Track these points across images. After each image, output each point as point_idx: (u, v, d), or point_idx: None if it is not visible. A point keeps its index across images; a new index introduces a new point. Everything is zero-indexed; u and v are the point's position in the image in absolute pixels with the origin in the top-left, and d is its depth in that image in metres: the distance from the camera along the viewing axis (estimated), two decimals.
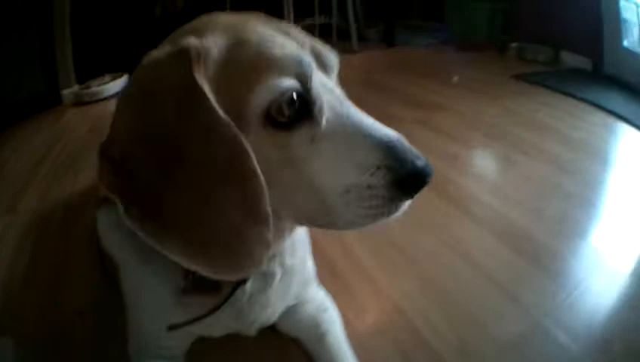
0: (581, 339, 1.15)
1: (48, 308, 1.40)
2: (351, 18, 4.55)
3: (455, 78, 3.44)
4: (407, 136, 0.72)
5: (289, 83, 0.66)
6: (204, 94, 0.61)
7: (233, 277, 0.67)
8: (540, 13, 3.89)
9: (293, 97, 0.66)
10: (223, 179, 0.61)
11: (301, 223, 0.79)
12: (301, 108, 0.67)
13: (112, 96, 3.82)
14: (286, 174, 0.68)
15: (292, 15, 4.29)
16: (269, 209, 0.63)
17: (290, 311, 1.11)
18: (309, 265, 1.12)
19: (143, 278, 0.88)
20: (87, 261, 1.55)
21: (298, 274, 1.03)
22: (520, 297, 1.30)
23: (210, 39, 0.66)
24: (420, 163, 0.69)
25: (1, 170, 2.52)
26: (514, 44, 4.12)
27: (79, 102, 3.78)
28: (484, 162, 2.25)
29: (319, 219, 0.72)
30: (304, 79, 0.67)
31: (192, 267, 0.63)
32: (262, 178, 0.62)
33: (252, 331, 1.00)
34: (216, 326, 0.95)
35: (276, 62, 0.66)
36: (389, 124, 0.72)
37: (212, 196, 0.61)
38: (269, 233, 0.63)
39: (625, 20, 3.22)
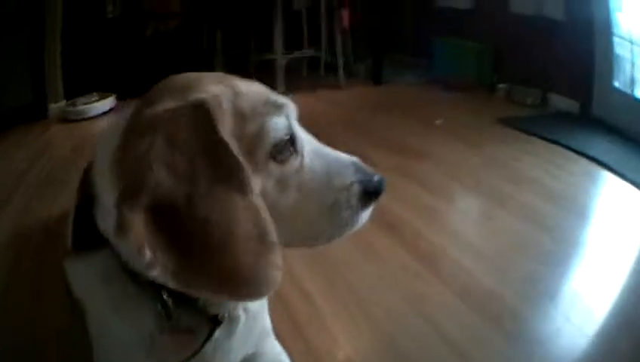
0: None
1: (24, 326, 1.43)
2: (339, 53, 4.57)
3: (439, 121, 3.41)
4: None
5: (286, 123, 0.78)
6: (227, 145, 0.68)
7: (254, 300, 0.81)
8: (529, 54, 3.90)
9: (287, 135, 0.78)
10: (243, 219, 0.67)
11: (290, 246, 0.84)
12: (289, 144, 0.78)
13: (98, 116, 3.87)
14: (282, 204, 0.78)
15: (281, 46, 4.30)
16: (275, 238, 0.70)
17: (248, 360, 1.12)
18: (267, 316, 1.13)
19: (114, 327, 0.87)
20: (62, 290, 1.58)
21: (259, 321, 1.07)
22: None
23: (209, 96, 0.73)
24: (377, 178, 0.86)
25: None
26: (502, 85, 4.12)
27: (64, 118, 3.83)
28: (458, 216, 2.22)
29: (307, 238, 0.86)
30: (290, 119, 0.80)
31: (219, 299, 0.77)
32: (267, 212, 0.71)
33: None
34: None
35: (275, 108, 0.78)
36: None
37: (235, 234, 0.66)
38: (279, 258, 0.70)
39: (617, 57, 3.23)
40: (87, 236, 0.84)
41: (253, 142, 0.75)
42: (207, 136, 0.68)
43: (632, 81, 3.12)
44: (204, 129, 0.68)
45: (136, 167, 0.65)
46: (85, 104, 3.92)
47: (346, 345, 1.36)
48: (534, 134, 3.09)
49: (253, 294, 0.70)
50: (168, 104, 0.71)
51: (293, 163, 0.80)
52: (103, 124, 3.80)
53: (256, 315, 1.02)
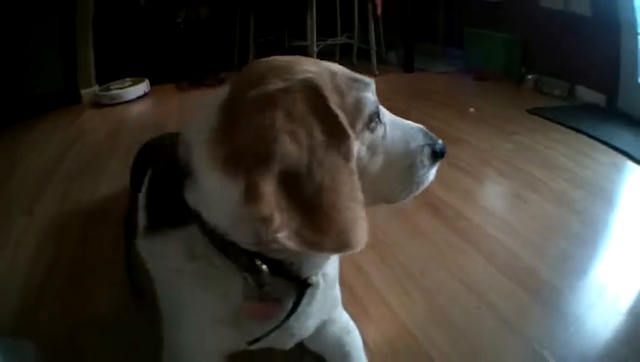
0: None
1: (64, 317, 1.46)
2: (372, 40, 4.64)
3: (472, 110, 3.52)
4: None
5: (374, 97, 0.90)
6: (338, 116, 0.78)
7: (345, 252, 0.80)
8: (557, 47, 3.97)
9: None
10: (347, 182, 0.77)
11: (372, 204, 0.92)
12: (376, 116, 0.90)
13: (132, 101, 3.87)
14: (371, 167, 0.90)
15: (314, 33, 4.38)
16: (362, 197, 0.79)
17: (318, 329, 1.18)
18: (338, 286, 1.23)
19: (197, 303, 0.96)
20: (109, 276, 1.64)
21: (334, 289, 1.19)
22: (521, 330, 1.40)
23: (314, 74, 0.82)
24: (440, 141, 1.01)
25: (17, 170, 2.60)
26: (530, 77, 4.19)
27: (97, 103, 3.82)
28: (495, 198, 2.34)
29: (388, 196, 0.97)
30: (374, 95, 0.91)
31: (324, 252, 0.84)
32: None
33: (289, 344, 1.10)
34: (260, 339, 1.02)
35: (364, 85, 0.89)
36: None
37: (342, 195, 0.76)
38: (364, 215, 0.79)
39: None
40: (167, 213, 0.95)
41: (352, 113, 0.84)
42: (320, 110, 0.77)
43: None
44: (317, 103, 0.78)
45: (262, 139, 0.72)
46: (119, 88, 3.93)
47: (401, 313, 1.48)
48: (562, 124, 3.19)
49: (354, 246, 0.75)
50: (279, 83, 0.78)
51: (380, 131, 0.91)
52: (138, 108, 3.82)
53: (332, 283, 1.13)
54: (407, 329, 1.42)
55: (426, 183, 0.99)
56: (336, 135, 0.77)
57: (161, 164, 1.06)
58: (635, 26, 3.31)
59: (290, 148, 0.72)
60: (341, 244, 0.74)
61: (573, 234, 1.91)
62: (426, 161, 0.97)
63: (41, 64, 3.63)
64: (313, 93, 0.78)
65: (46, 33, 3.61)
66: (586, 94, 3.78)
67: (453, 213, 2.09)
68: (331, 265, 1.09)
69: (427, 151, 0.97)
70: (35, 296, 1.57)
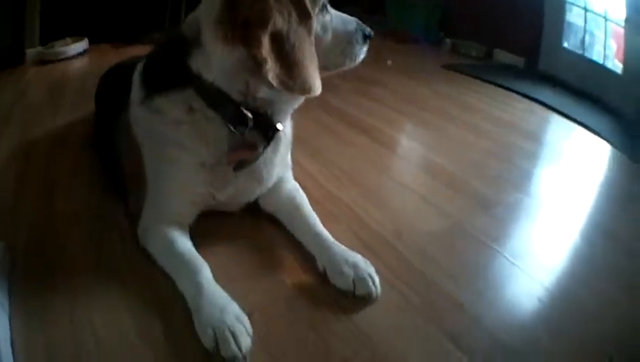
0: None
1: (40, 216, 1.53)
2: None
3: (389, 62, 3.55)
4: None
5: None
6: (305, 3, 1.11)
7: (308, 95, 1.13)
8: (476, 11, 4.02)
9: None
10: (309, 46, 1.13)
11: (326, 69, 1.26)
12: (326, 4, 1.23)
13: (72, 58, 3.91)
14: (324, 40, 1.22)
15: None
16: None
17: (273, 188, 1.45)
18: (290, 152, 1.51)
19: (182, 150, 1.23)
20: (78, 177, 1.76)
21: (288, 150, 1.48)
22: (439, 204, 1.64)
23: None
24: (368, 28, 1.31)
25: None
26: (448, 40, 4.26)
27: (41, 61, 3.81)
28: (417, 126, 2.39)
29: (336, 63, 1.28)
30: None
31: (296, 93, 1.13)
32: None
33: (255, 193, 1.41)
34: (230, 188, 1.31)
35: None
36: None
37: (307, 55, 1.11)
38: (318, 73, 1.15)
39: (569, 24, 3.39)
40: (165, 82, 1.22)
41: (312, 2, 1.14)
42: None
43: (583, 44, 3.29)
44: None
45: (260, 12, 1.05)
46: (62, 46, 3.95)
47: (338, 193, 1.71)
48: (479, 78, 3.25)
49: (313, 90, 1.11)
50: None
51: (328, 16, 1.24)
52: (79, 64, 3.86)
53: (288, 142, 1.43)
54: (347, 205, 1.63)
55: (361, 56, 1.31)
56: (304, 14, 1.11)
57: (162, 47, 1.32)
58: None
59: (278, 19, 1.07)
60: (305, 88, 1.10)
61: (487, 151, 2.04)
62: (360, 39, 1.29)
63: None
64: None
65: None
66: (504, 57, 3.86)
67: (379, 133, 2.25)
68: (288, 128, 1.40)
69: (360, 32, 1.29)
70: (4, 203, 1.62)
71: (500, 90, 3.03)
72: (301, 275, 1.26)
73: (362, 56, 1.32)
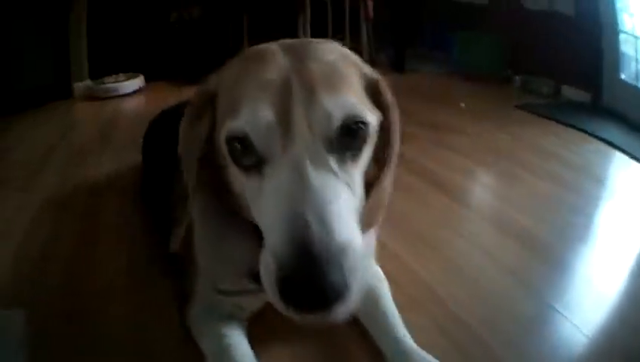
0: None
1: (68, 285, 1.43)
2: (363, 41, 4.73)
3: (462, 105, 3.63)
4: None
5: None
6: None
7: None
8: (542, 47, 4.07)
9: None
10: None
11: None
12: None
13: (125, 95, 3.84)
14: None
15: (308, 34, 4.51)
16: None
17: None
18: (374, 238, 1.24)
19: (232, 236, 1.02)
20: (117, 240, 1.66)
21: (372, 236, 1.22)
22: (535, 287, 1.48)
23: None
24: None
25: (7, 155, 2.56)
26: (517, 77, 4.30)
27: (91, 96, 3.77)
28: (495, 177, 2.46)
29: None
30: None
31: None
32: None
33: None
34: None
35: None
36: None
37: None
38: None
39: (623, 54, 3.45)
40: None
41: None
42: None
43: (637, 74, 3.36)
44: None
45: None
46: (114, 82, 3.91)
47: (417, 268, 1.55)
48: (551, 118, 3.33)
49: None
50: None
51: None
52: (132, 102, 3.79)
53: (370, 234, 1.14)
54: (429, 287, 1.46)
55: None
56: None
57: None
58: (615, 24, 3.45)
59: None
60: None
61: (572, 207, 2.04)
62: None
63: (32, 58, 3.61)
64: None
65: (37, 26, 3.60)
66: (572, 93, 3.90)
67: (458, 188, 2.22)
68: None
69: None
70: (32, 266, 1.55)
71: (572, 130, 3.10)
72: None
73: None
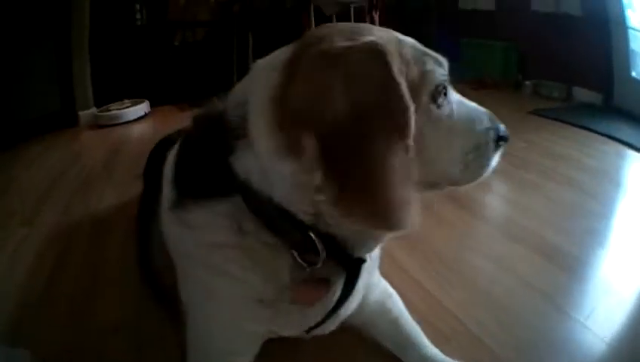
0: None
1: (73, 321, 1.42)
2: None
3: None
4: None
5: (444, 71, 0.87)
6: (400, 85, 0.73)
7: (390, 232, 0.82)
8: (551, 49, 4.09)
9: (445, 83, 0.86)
10: (400, 158, 0.72)
11: (433, 187, 0.92)
12: (444, 92, 0.86)
13: (131, 121, 3.81)
14: (434, 144, 0.85)
15: None
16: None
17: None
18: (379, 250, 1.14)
19: (221, 285, 0.89)
20: (122, 274, 1.61)
21: (375, 261, 1.15)
22: (559, 302, 1.45)
23: (381, 39, 0.78)
24: (503, 126, 0.96)
25: (13, 185, 2.58)
26: (528, 82, 4.29)
27: (96, 124, 3.77)
28: (514, 188, 2.43)
29: (452, 177, 0.91)
30: (445, 70, 0.88)
31: (368, 227, 0.77)
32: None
33: (332, 327, 1.04)
34: (303, 321, 0.96)
35: (432, 57, 0.87)
36: None
37: (393, 171, 0.70)
38: (415, 195, 0.75)
39: (633, 51, 3.46)
40: (203, 183, 0.86)
41: (416, 84, 0.80)
42: (383, 76, 0.73)
43: None
44: (380, 69, 0.73)
45: (317, 98, 0.70)
46: (119, 109, 3.91)
47: (442, 298, 1.48)
48: (565, 122, 3.34)
49: (397, 227, 0.71)
50: (344, 43, 0.74)
51: (447, 108, 0.86)
52: (139, 128, 3.77)
53: (376, 255, 1.11)
54: (450, 312, 1.42)
55: (492, 167, 0.94)
56: (395, 104, 0.72)
57: (200, 131, 0.95)
58: (623, 21, 3.46)
59: (343, 111, 0.69)
60: (385, 221, 0.71)
61: (591, 213, 2.04)
62: (492, 145, 0.92)
63: (37, 87, 3.64)
64: (376, 56, 0.74)
65: (40, 55, 3.62)
66: (583, 95, 3.91)
67: (475, 202, 2.20)
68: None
69: (492, 134, 0.93)
70: (37, 303, 1.53)
71: (586, 132, 3.13)
72: None
73: (494, 164, 0.95)
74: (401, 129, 0.72)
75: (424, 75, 0.83)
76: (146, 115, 4.07)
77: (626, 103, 3.51)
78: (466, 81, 4.45)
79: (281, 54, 0.82)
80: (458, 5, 5.15)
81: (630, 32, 3.44)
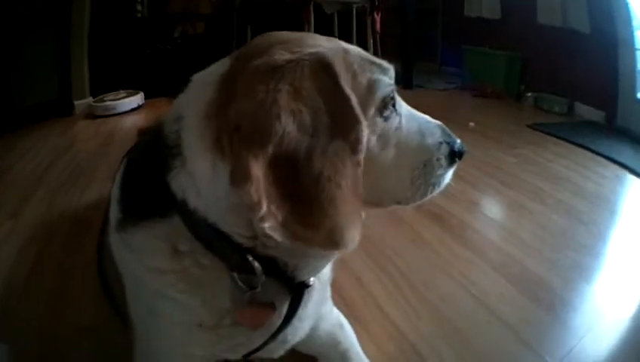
0: None
1: (48, 320, 1.40)
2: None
3: (472, 124, 3.52)
4: None
5: (390, 80, 0.80)
6: (349, 98, 0.69)
7: (338, 252, 0.79)
8: (556, 64, 4.00)
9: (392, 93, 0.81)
10: (350, 174, 0.67)
11: (378, 205, 0.86)
12: (391, 103, 0.81)
13: (126, 113, 3.83)
14: (381, 160, 0.80)
15: None
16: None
17: (310, 328, 1.06)
18: (329, 280, 1.10)
19: (170, 307, 0.83)
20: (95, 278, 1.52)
21: (327, 285, 1.09)
22: (532, 342, 1.34)
23: (326, 50, 0.73)
24: (459, 141, 0.91)
25: (6, 175, 2.57)
26: (529, 94, 4.21)
27: (91, 114, 3.79)
28: (501, 209, 2.31)
29: (400, 195, 0.86)
30: (393, 81, 0.81)
31: (317, 248, 0.70)
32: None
33: (280, 351, 0.99)
34: (247, 344, 0.91)
35: (381, 68, 0.80)
36: None
37: (342, 189, 0.66)
38: (361, 213, 0.71)
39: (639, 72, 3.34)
40: (144, 203, 0.81)
41: (364, 96, 0.75)
42: (330, 89, 0.69)
43: None
44: (328, 81, 0.69)
45: (261, 116, 0.63)
46: (113, 100, 3.90)
47: (404, 328, 1.40)
48: (564, 139, 3.21)
49: (344, 246, 0.67)
50: (286, 55, 0.69)
51: (394, 121, 0.81)
52: (132, 120, 3.76)
53: (325, 281, 1.05)
54: (412, 345, 1.34)
55: (443, 185, 0.89)
56: (345, 119, 0.68)
57: (141, 146, 0.92)
58: (632, 42, 3.36)
59: (290, 129, 0.64)
60: (331, 242, 0.66)
61: (582, 245, 1.90)
62: (444, 161, 0.87)
63: (34, 75, 3.62)
64: (323, 68, 0.70)
65: (40, 44, 3.61)
66: (586, 111, 3.82)
67: (457, 222, 2.07)
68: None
69: (445, 149, 0.87)
70: (16, 298, 1.53)
71: (585, 152, 3.00)
72: None
73: (447, 181, 0.90)
74: (353, 145, 0.68)
75: (371, 85, 0.78)
76: (139, 107, 4.07)
77: (629, 124, 3.40)
78: (466, 88, 4.42)
79: (218, 68, 0.78)
80: (463, 12, 5.06)
81: (638, 53, 3.35)
